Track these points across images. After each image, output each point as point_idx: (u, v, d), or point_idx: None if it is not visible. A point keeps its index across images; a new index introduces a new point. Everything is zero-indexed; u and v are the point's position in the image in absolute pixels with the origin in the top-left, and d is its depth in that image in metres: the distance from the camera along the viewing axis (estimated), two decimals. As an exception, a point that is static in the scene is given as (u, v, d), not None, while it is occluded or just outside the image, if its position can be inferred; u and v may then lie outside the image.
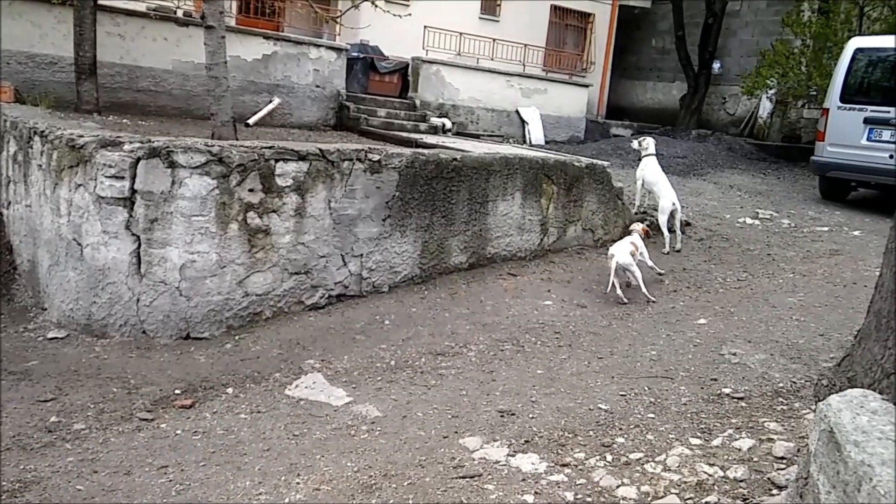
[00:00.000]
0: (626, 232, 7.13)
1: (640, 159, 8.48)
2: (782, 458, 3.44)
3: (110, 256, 4.98)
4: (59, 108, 8.48)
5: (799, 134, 17.94)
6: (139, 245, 4.99)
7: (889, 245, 3.37)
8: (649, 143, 8.45)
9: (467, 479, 3.36)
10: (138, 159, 4.86)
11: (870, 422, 1.84)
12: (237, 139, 6.89)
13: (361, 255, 5.90)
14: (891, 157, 9.93)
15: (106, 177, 4.83)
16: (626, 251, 6.24)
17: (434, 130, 12.62)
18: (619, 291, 6.20)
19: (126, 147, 4.85)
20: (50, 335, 5.19)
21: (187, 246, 5.05)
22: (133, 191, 4.91)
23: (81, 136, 4.99)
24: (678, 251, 7.77)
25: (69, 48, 8.85)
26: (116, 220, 4.91)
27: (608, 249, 6.51)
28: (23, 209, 6.00)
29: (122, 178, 4.84)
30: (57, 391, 4.40)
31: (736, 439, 3.67)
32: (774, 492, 3.14)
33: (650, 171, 8.24)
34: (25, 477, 3.47)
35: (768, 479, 3.26)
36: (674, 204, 7.78)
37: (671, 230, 7.86)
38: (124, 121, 8.97)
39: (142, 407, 4.26)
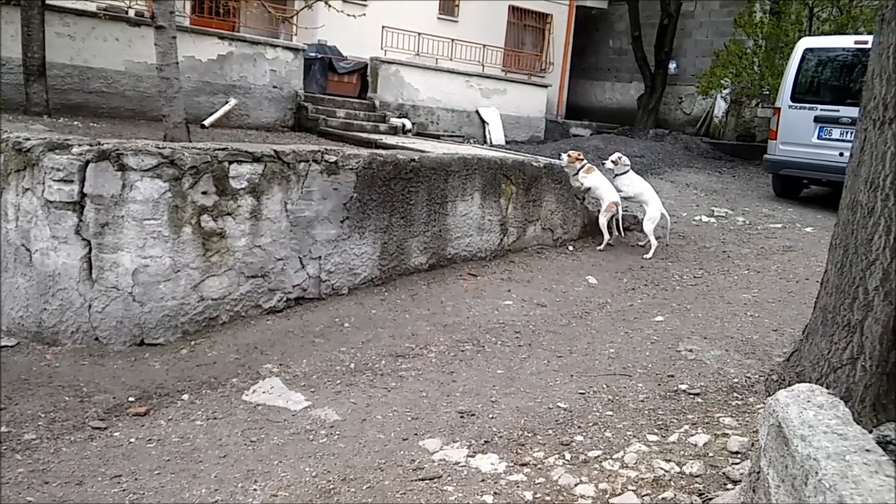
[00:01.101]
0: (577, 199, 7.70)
1: (615, 176, 8.21)
2: (737, 452, 3.50)
3: (60, 262, 4.85)
4: (8, 110, 8.28)
5: (753, 132, 18.31)
6: (90, 250, 4.87)
7: (833, 242, 3.45)
8: (625, 160, 8.26)
9: (427, 481, 3.35)
10: (87, 162, 4.74)
11: (816, 416, 1.87)
12: (191, 141, 6.78)
13: (320, 257, 5.85)
14: (841, 154, 10.19)
15: (54, 181, 4.71)
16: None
17: (394, 131, 12.58)
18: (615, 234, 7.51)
19: (74, 150, 4.73)
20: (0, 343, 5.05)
21: (140, 250, 4.94)
22: (83, 195, 4.79)
23: (28, 140, 4.85)
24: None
25: (16, 49, 8.61)
26: (66, 224, 4.79)
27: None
28: (-32, 214, 5.82)
29: (71, 181, 4.72)
30: (7, 401, 4.26)
31: (692, 435, 3.73)
32: (729, 486, 3.19)
33: (636, 183, 8.09)
34: (-27, 490, 3.37)
35: (723, 473, 3.31)
36: (662, 214, 7.86)
37: (658, 238, 7.94)
38: (75, 123, 8.77)
39: (94, 415, 4.16)
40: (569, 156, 8.19)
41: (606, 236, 7.93)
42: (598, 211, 8.05)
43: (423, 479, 3.37)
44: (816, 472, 1.67)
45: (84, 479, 3.48)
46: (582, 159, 8.20)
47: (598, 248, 7.91)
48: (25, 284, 4.98)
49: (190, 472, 3.55)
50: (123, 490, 3.39)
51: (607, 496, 3.16)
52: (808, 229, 9.34)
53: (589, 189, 8.02)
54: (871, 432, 2.49)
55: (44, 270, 4.87)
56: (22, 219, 4.94)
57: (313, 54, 13.07)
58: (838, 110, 10.45)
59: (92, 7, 10.01)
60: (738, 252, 8.19)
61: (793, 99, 10.99)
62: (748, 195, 11.82)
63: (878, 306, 3.25)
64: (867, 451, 1.71)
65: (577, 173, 8.05)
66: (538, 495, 3.19)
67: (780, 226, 9.58)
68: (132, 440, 3.87)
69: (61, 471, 3.56)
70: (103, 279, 4.91)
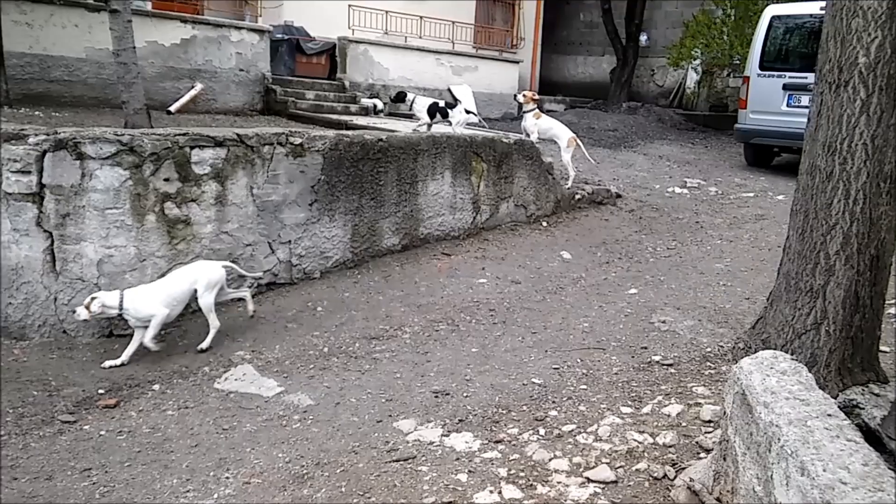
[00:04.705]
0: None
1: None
2: (709, 421, 3.52)
3: (23, 255, 4.75)
4: (-34, 102, 8.06)
5: (726, 103, 18.35)
6: (52, 242, 4.77)
7: (794, 207, 3.46)
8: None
9: (401, 462, 3.33)
10: (44, 152, 4.62)
11: (778, 382, 1.87)
12: (152, 127, 6.65)
13: (289, 241, 5.78)
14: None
15: (11, 172, 4.59)
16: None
17: (366, 111, 12.45)
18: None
19: (31, 140, 4.61)
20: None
21: (103, 240, 4.85)
22: (41, 185, 4.67)
23: (-18, 131, 4.72)
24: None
25: (-27, 39, 8.37)
26: (26, 216, 4.68)
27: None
28: (-74, 210, 5.68)
29: (29, 172, 4.61)
30: (-27, 399, 4.19)
31: (665, 406, 3.74)
32: (702, 455, 3.20)
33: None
34: (-61, 490, 3.31)
35: (696, 442, 3.32)
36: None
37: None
38: (36, 113, 8.58)
39: (64, 409, 4.10)
40: (524, 96, 8.93)
41: (572, 173, 8.46)
42: (566, 172, 8.49)
43: (397, 461, 3.35)
44: (779, 439, 1.66)
45: (54, 474, 3.43)
46: (537, 99, 8.93)
47: (566, 186, 8.33)
48: (-13, 279, 4.86)
49: (161, 462, 3.50)
50: (94, 483, 3.34)
51: (581, 469, 3.16)
52: (780, 197, 9.39)
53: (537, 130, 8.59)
54: (836, 397, 2.49)
55: (6, 264, 4.76)
56: (-20, 212, 4.82)
57: (280, 35, 12.86)
58: (807, 77, 10.47)
59: (48, -8, 9.74)
60: (710, 222, 8.22)
61: (761, 67, 11.00)
62: (720, 165, 11.87)
63: (840, 270, 3.27)
64: (829, 415, 1.70)
65: (527, 112, 8.73)
66: (512, 471, 3.18)
67: (752, 195, 9.62)
68: (102, 433, 3.82)
69: (30, 466, 3.50)
70: (67, 271, 4.82)
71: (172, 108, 10.15)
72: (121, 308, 4.58)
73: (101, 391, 4.32)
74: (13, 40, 9.00)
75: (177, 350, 4.88)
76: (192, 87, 10.82)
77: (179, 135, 5.13)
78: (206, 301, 4.82)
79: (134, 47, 7.07)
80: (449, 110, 8.84)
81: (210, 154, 5.22)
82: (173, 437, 3.75)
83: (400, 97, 9.22)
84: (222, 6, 13.44)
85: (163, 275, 5.04)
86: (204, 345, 4.82)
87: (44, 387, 4.36)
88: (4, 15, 8.57)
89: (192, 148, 5.14)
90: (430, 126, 8.61)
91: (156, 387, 4.36)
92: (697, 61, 17.04)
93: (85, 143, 4.71)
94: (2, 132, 4.67)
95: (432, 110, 8.77)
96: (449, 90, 15.40)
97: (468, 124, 8.99)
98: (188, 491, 3.24)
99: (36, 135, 4.66)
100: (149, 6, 11.99)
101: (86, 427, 3.90)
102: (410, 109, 9.06)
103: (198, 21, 11.34)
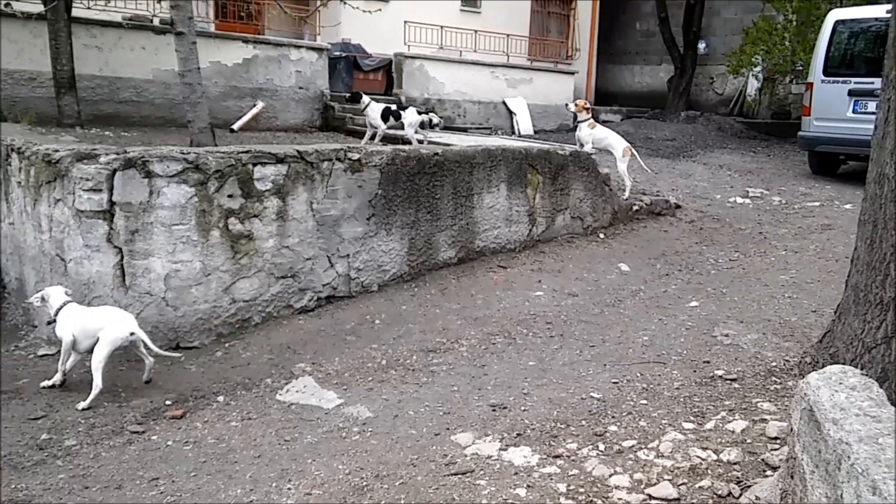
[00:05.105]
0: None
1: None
2: (776, 438, 3.42)
3: (94, 270, 4.94)
4: (42, 123, 8.43)
5: (788, 110, 17.90)
6: (122, 257, 4.95)
7: (861, 217, 3.34)
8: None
9: (459, 476, 3.34)
10: (114, 171, 4.81)
11: (848, 398, 1.81)
12: (216, 145, 6.84)
13: (348, 255, 5.87)
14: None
15: (83, 190, 4.78)
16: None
17: (421, 126, 12.52)
18: None
19: (102, 159, 4.80)
20: (40, 352, 5.16)
21: (170, 255, 5.01)
22: (112, 203, 4.86)
23: (57, 151, 4.94)
24: None
25: (47, 63, 8.75)
26: (97, 233, 4.87)
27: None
28: (6, 227, 5.96)
29: (100, 190, 4.80)
30: (48, 408, 4.37)
31: (729, 421, 3.65)
32: (768, 473, 3.12)
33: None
34: (17, 496, 3.44)
35: (762, 460, 3.23)
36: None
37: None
38: (106, 133, 8.91)
39: (133, 420, 4.23)
40: (576, 105, 8.72)
41: (629, 183, 8.37)
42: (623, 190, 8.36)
43: (455, 474, 3.35)
44: (849, 457, 1.61)
45: (123, 483, 3.53)
46: (589, 108, 8.73)
47: (623, 197, 8.27)
48: (62, 293, 5.07)
49: (226, 472, 3.58)
50: (161, 493, 3.43)
51: (642, 486, 3.11)
52: (847, 206, 9.09)
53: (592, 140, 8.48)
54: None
55: (78, 279, 4.96)
56: (55, 229, 5.04)
57: (338, 53, 13.10)
58: (873, 82, 10.13)
59: (117, 17, 10.13)
60: (774, 233, 8.01)
61: (825, 73, 10.70)
62: (784, 174, 11.56)
63: (911, 282, 3.14)
64: (902, 433, 1.64)
65: (581, 122, 8.58)
66: (572, 487, 3.15)
67: (817, 204, 9.34)
68: (169, 443, 3.93)
69: (101, 475, 3.62)
70: (136, 285, 4.99)
71: (235, 126, 10.42)
72: (55, 315, 4.52)
73: (168, 402, 4.45)
74: (84, 63, 9.38)
75: (240, 362, 4.99)
76: (254, 105, 11.09)
77: (242, 152, 5.28)
78: (99, 355, 4.39)
79: (199, 68, 7.30)
80: (401, 112, 9.02)
81: (272, 170, 5.35)
82: (237, 447, 3.83)
83: (355, 97, 9.43)
84: (282, 26, 13.78)
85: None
86: (82, 405, 4.35)
87: (114, 398, 4.51)
88: (75, 39, 8.94)
89: (254, 165, 5.28)
90: (382, 132, 9.00)
91: (220, 398, 4.46)
92: (758, 68, 16.67)
93: (153, 162, 4.88)
94: (75, 151, 4.88)
95: (385, 114, 8.97)
96: (504, 103, 15.44)
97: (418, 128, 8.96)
98: (251, 501, 3.31)
99: (107, 154, 4.85)
100: (212, 28, 12.39)
101: (154, 437, 4.01)
102: (363, 113, 9.27)
103: (259, 41, 11.64)
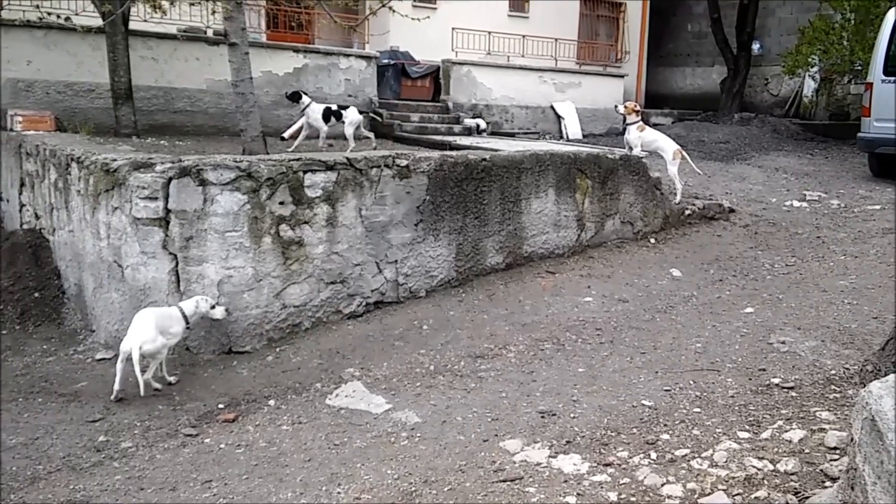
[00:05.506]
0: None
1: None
2: (835, 448, 3.31)
3: (150, 276, 5.06)
4: (99, 133, 8.69)
5: (847, 111, 17.40)
6: (177, 263, 5.06)
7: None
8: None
9: (508, 483, 3.31)
10: (170, 179, 4.93)
11: (913, 409, 1.74)
12: (268, 153, 6.95)
13: (396, 261, 5.90)
14: (942, 128, 9.56)
15: (140, 198, 4.91)
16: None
17: (468, 132, 12.57)
18: None
19: (158, 168, 4.93)
20: (98, 356, 5.31)
21: (223, 262, 5.10)
22: (167, 210, 4.99)
23: (115, 160, 5.09)
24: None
25: (105, 74, 9.04)
26: (153, 240, 4.99)
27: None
28: (66, 234, 6.15)
29: (156, 198, 4.92)
30: (105, 411, 4.49)
31: (786, 431, 3.54)
32: (827, 484, 3.01)
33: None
34: (75, 497, 3.54)
35: (821, 470, 3.13)
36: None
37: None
38: (161, 142, 9.15)
39: (187, 423, 4.32)
40: (625, 106, 8.56)
41: (680, 187, 8.24)
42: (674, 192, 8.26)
43: (504, 481, 3.33)
44: (914, 470, 1.54)
45: (177, 485, 3.60)
46: (639, 111, 8.56)
47: (674, 201, 8.17)
48: (119, 299, 5.21)
49: (276, 476, 3.62)
50: (214, 495, 3.49)
51: (696, 496, 3.04)
52: (910, 209, 8.79)
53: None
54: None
55: (135, 285, 5.09)
56: (113, 236, 5.18)
57: (386, 61, 13.22)
58: (936, 81, 9.80)
59: (172, 30, 10.40)
60: (833, 237, 7.78)
61: (886, 73, 10.37)
62: (842, 176, 11.23)
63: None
64: (972, 446, 1.57)
65: (630, 124, 8.42)
66: (623, 496, 3.10)
67: (878, 207, 9.04)
68: (222, 446, 3.99)
69: (156, 477, 3.70)
70: (191, 291, 5.09)
71: (286, 135, 10.58)
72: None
73: (220, 406, 4.53)
74: (140, 74, 9.67)
75: (290, 366, 5.05)
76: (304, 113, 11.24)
77: (293, 160, 5.36)
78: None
79: (251, 77, 7.44)
80: (343, 111, 9.24)
81: (322, 178, 5.42)
82: (288, 451, 3.87)
83: (295, 97, 9.37)
84: (332, 35, 13.97)
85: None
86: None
87: (168, 401, 4.62)
88: (132, 51, 9.21)
89: (304, 172, 5.36)
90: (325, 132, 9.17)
91: (271, 402, 4.52)
92: (815, 68, 16.25)
93: (207, 170, 4.99)
94: (132, 161, 5.01)
95: (326, 115, 9.05)
96: (552, 107, 15.35)
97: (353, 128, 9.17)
98: (301, 504, 3.34)
99: (162, 163, 4.98)
100: (264, 38, 12.62)
101: (206, 440, 4.08)
102: (302, 113, 9.25)
103: (309, 50, 11.83)
